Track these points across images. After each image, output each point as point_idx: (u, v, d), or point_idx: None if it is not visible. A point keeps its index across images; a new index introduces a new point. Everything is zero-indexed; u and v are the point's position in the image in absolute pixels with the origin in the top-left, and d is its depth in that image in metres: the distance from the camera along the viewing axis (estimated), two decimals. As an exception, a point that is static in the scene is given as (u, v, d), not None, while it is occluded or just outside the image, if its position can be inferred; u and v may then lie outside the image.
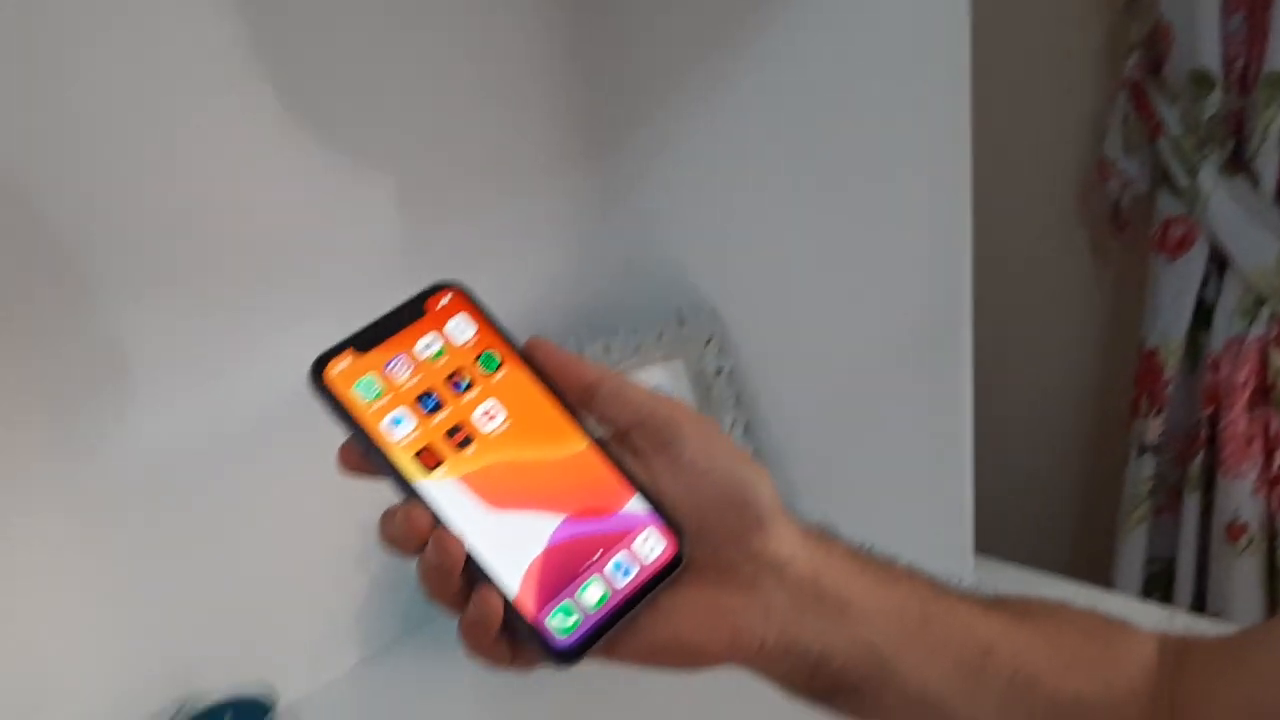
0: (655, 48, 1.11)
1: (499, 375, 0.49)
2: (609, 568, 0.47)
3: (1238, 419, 1.30)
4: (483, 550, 0.45)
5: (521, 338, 0.51)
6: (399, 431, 0.47)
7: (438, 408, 0.48)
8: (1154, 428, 1.41)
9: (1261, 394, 1.31)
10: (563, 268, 1.18)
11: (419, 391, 0.48)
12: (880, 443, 1.11)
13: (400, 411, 0.47)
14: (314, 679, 1.02)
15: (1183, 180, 1.30)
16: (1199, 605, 1.44)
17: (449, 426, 0.48)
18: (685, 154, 1.13)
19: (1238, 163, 1.28)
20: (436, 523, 0.45)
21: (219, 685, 0.91)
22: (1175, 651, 0.52)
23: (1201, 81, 1.26)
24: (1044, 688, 0.50)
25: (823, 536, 0.51)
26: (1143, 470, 1.43)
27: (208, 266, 0.90)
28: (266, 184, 0.93)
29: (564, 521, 0.47)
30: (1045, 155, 1.54)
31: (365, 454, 0.46)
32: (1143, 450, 1.43)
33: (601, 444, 0.49)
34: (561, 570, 0.46)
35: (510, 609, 0.45)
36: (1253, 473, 1.32)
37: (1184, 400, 1.40)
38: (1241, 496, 1.32)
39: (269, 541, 0.97)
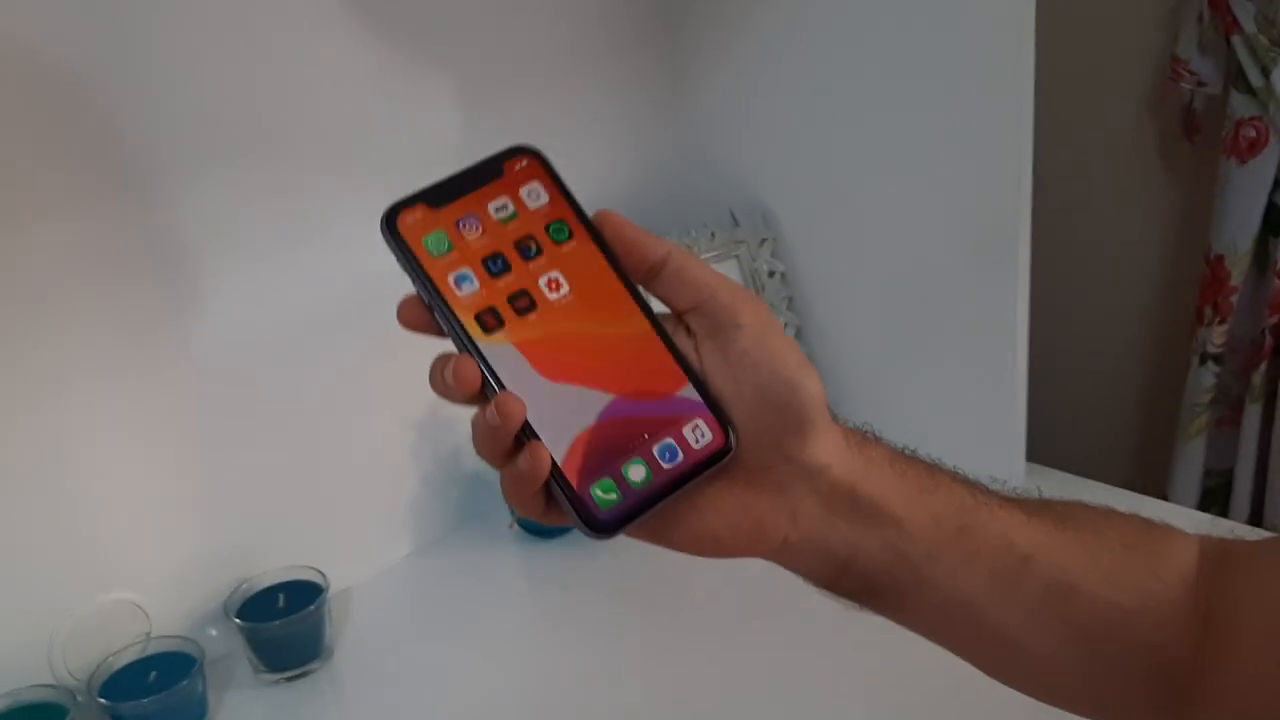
0: None
1: (567, 246, 0.49)
2: (656, 450, 0.47)
3: (1305, 328, 1.27)
4: (533, 416, 0.46)
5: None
6: (464, 289, 0.47)
7: (504, 271, 0.47)
8: (1217, 336, 1.37)
9: (1332, 302, 1.27)
10: (620, 162, 1.18)
11: (487, 253, 0.47)
12: (933, 350, 1.10)
13: (466, 270, 0.47)
14: (367, 568, 1.04)
15: (1257, 80, 1.26)
16: (1256, 520, 1.42)
17: (513, 291, 0.47)
18: (748, 54, 1.12)
19: (1316, 61, 1.23)
20: (487, 382, 0.45)
21: (276, 568, 0.94)
22: (1215, 555, 0.50)
23: (1281, -25, 1.21)
24: (1081, 598, 0.49)
25: (864, 442, 0.50)
26: (1204, 380, 1.40)
27: (273, 153, 0.92)
28: (332, 73, 0.94)
29: (615, 400, 0.47)
30: (1116, 54, 1.49)
31: (428, 309, 0.46)
32: (1205, 359, 1.39)
33: (661, 326, 0.48)
34: (608, 446, 0.46)
35: (557, 471, 0.45)
36: (1318, 384, 1.29)
37: (1250, 308, 1.36)
38: (1306, 408, 1.30)
39: (326, 434, 0.99)
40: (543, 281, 0.48)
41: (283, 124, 0.92)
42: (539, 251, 0.48)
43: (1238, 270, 1.33)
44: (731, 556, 0.48)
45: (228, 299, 0.91)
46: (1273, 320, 1.31)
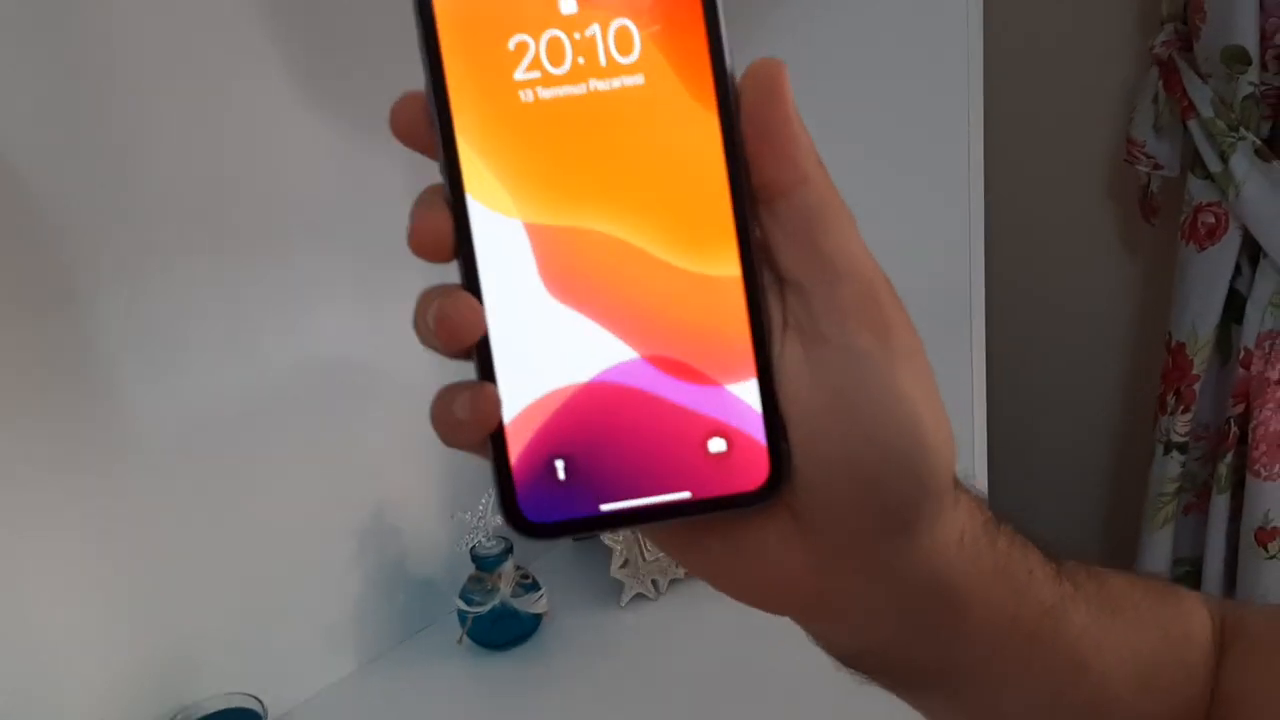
0: None
1: (674, 102, 0.32)
2: (656, 456, 0.33)
3: (1269, 418, 1.23)
4: (503, 341, 0.33)
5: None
6: (482, 111, 0.32)
7: (560, 106, 0.32)
8: (1181, 425, 1.34)
9: (1296, 391, 1.24)
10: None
11: (545, 69, 0.32)
12: None
13: (505, 84, 0.32)
14: (308, 687, 0.99)
15: (1214, 165, 1.23)
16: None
17: (560, 142, 0.32)
18: None
19: (1274, 146, 1.21)
20: (461, 262, 0.32)
21: (215, 691, 0.88)
22: (1230, 628, 0.44)
23: (1235, 59, 1.18)
24: (1115, 712, 0.41)
25: (983, 539, 0.36)
26: (1169, 469, 1.36)
27: (216, 245, 0.88)
28: (290, 157, 0.90)
29: (635, 362, 0.33)
30: (1073, 136, 1.47)
31: (436, 128, 0.32)
32: (1169, 448, 1.36)
33: (757, 278, 0.33)
34: (590, 421, 0.33)
35: (498, 433, 0.33)
36: (1285, 475, 1.25)
37: (1213, 397, 1.33)
38: (1272, 499, 1.26)
39: (265, 540, 0.94)
40: (609, 142, 0.32)
41: (223, 215, 0.88)
42: (627, 97, 0.32)
43: (1199, 358, 1.30)
44: (738, 599, 0.36)
45: (158, 400, 0.86)
46: (1237, 410, 1.27)
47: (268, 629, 0.95)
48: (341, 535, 1.00)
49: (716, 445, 0.33)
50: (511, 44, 0.32)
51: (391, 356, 0.96)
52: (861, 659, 0.38)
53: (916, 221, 0.98)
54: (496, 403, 0.32)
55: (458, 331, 0.32)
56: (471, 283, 0.32)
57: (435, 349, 0.33)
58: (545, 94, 0.32)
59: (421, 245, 0.32)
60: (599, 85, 0.32)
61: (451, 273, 0.33)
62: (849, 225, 0.33)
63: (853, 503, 0.33)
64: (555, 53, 0.32)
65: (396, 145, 0.95)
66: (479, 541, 0.97)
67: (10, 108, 0.74)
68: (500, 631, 0.98)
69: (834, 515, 0.33)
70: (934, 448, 0.33)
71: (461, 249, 0.32)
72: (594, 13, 0.32)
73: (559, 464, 0.33)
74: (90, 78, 0.79)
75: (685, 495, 0.33)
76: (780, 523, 0.34)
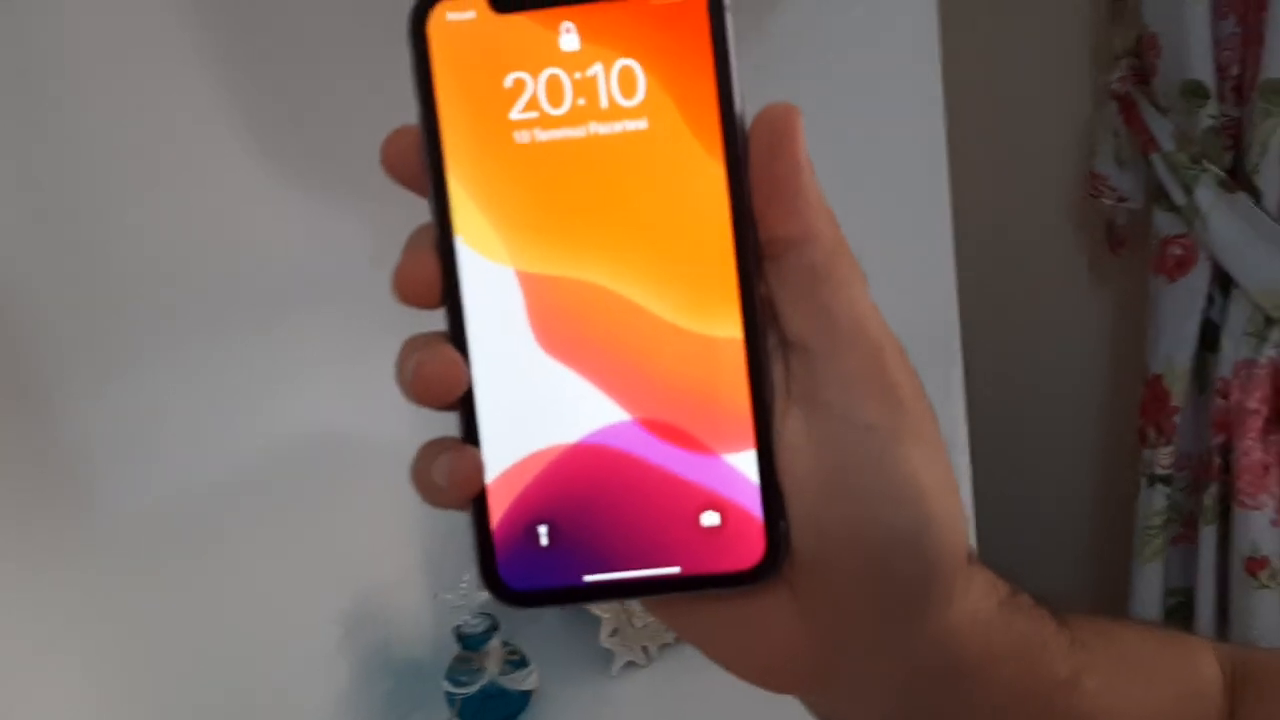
0: None
1: (681, 145, 0.30)
2: (646, 531, 0.31)
3: (1252, 447, 1.23)
4: (488, 397, 0.31)
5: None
6: (476, 153, 0.30)
7: (559, 149, 0.30)
8: (1163, 457, 1.33)
9: (1277, 420, 1.24)
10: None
11: (544, 110, 0.30)
12: None
13: (500, 126, 0.30)
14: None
15: (1179, 197, 1.23)
16: (1222, 638, 1.37)
17: (558, 185, 0.30)
18: None
19: (1237, 177, 1.21)
20: (447, 311, 0.31)
21: None
22: (1238, 674, 0.44)
23: (1194, 92, 1.19)
24: None
25: (999, 619, 0.34)
26: (1155, 502, 1.36)
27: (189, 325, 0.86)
28: (258, 226, 0.89)
29: (627, 424, 0.31)
30: (1036, 173, 1.48)
31: (427, 167, 0.31)
32: (1153, 481, 1.36)
33: (759, 340, 0.31)
34: (576, 488, 0.31)
35: (479, 494, 0.31)
36: (1271, 503, 1.25)
37: (1194, 428, 1.33)
38: (1259, 529, 1.25)
39: (244, 634, 0.92)
40: (608, 189, 0.30)
41: (191, 291, 0.86)
42: (629, 142, 0.30)
43: (1177, 389, 1.30)
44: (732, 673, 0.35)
45: (131, 486, 0.84)
46: (1218, 440, 1.27)
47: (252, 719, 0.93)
48: (324, 620, 0.98)
49: (710, 519, 0.31)
50: (508, 81, 0.30)
51: (368, 431, 0.93)
52: None
53: (887, 267, 0.97)
54: (478, 468, 0.31)
55: (436, 388, 0.30)
56: (457, 332, 0.31)
57: (415, 402, 0.31)
58: (542, 136, 0.30)
59: (407, 291, 0.31)
60: (599, 129, 0.30)
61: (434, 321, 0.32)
62: (859, 286, 0.31)
63: (855, 584, 0.31)
64: (554, 92, 0.30)
65: (366, 209, 0.94)
66: (464, 620, 0.95)
67: None
68: (491, 711, 0.97)
69: (835, 596, 0.32)
70: (943, 528, 0.31)
71: (449, 296, 0.31)
72: (597, 51, 0.30)
73: (542, 530, 0.31)
74: (53, 161, 0.77)
75: (674, 570, 0.31)
76: (778, 598, 0.32)
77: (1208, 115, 1.19)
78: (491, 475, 0.31)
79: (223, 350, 0.88)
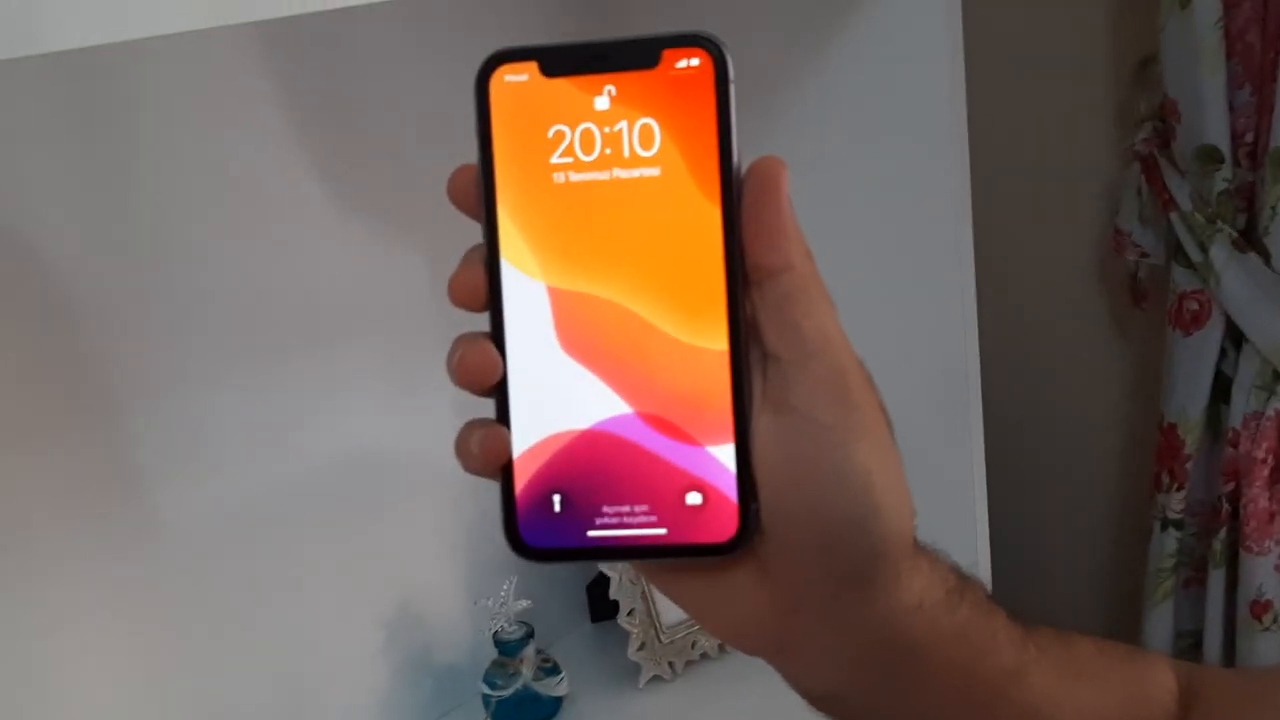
0: None
1: (685, 193, 0.37)
2: (638, 504, 0.38)
3: (1258, 495, 1.28)
4: (518, 386, 0.38)
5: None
6: (523, 192, 0.37)
7: (588, 192, 0.37)
8: (1175, 502, 1.38)
9: (1283, 470, 1.29)
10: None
11: (577, 160, 0.37)
12: None
13: (542, 170, 0.37)
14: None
15: (1196, 255, 1.29)
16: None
17: (585, 222, 0.37)
18: None
19: (1249, 238, 1.27)
20: (493, 315, 0.38)
21: None
22: (1189, 689, 0.47)
23: (1209, 157, 1.25)
24: None
25: (945, 601, 0.40)
26: (1166, 545, 1.41)
27: (251, 343, 0.92)
28: (319, 257, 0.95)
29: (628, 416, 0.37)
30: (1062, 227, 1.53)
31: (481, 198, 0.38)
32: (1166, 525, 1.40)
33: (742, 355, 0.37)
34: (585, 465, 0.38)
35: (507, 466, 0.38)
36: (1275, 549, 1.29)
37: (1205, 475, 1.38)
38: (1264, 574, 1.30)
39: (291, 638, 0.97)
40: (625, 223, 0.37)
41: (254, 315, 0.92)
42: (644, 186, 0.37)
43: (1191, 438, 1.35)
44: (714, 635, 0.42)
45: (188, 497, 0.89)
46: (1228, 487, 1.32)
47: (298, 719, 0.98)
48: (369, 625, 1.03)
49: (693, 498, 0.37)
50: (550, 133, 0.37)
51: (414, 449, 0.99)
52: (826, 701, 0.42)
53: (909, 314, 1.01)
54: (506, 443, 0.38)
55: (476, 375, 0.37)
56: (497, 333, 0.38)
57: (459, 386, 0.38)
58: (575, 178, 0.37)
59: (460, 295, 0.38)
60: (621, 174, 0.37)
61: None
62: (828, 310, 0.37)
63: (812, 558, 0.37)
64: (587, 143, 0.37)
65: (421, 242, 1.00)
66: (501, 627, 1.00)
67: (44, 219, 0.79)
68: (523, 714, 1.02)
69: (795, 567, 0.38)
70: (888, 515, 0.37)
71: (492, 303, 0.38)
72: (623, 110, 0.37)
73: (556, 498, 0.38)
74: (123, 191, 0.83)
75: (662, 533, 0.37)
76: (749, 570, 0.39)
77: (1222, 179, 1.25)
78: (517, 451, 0.38)
79: (279, 371, 0.94)
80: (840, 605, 0.38)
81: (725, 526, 0.37)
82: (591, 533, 0.38)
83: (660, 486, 0.37)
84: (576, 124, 0.37)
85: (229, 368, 0.91)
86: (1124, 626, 1.53)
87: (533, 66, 0.37)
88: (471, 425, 0.39)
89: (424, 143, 0.99)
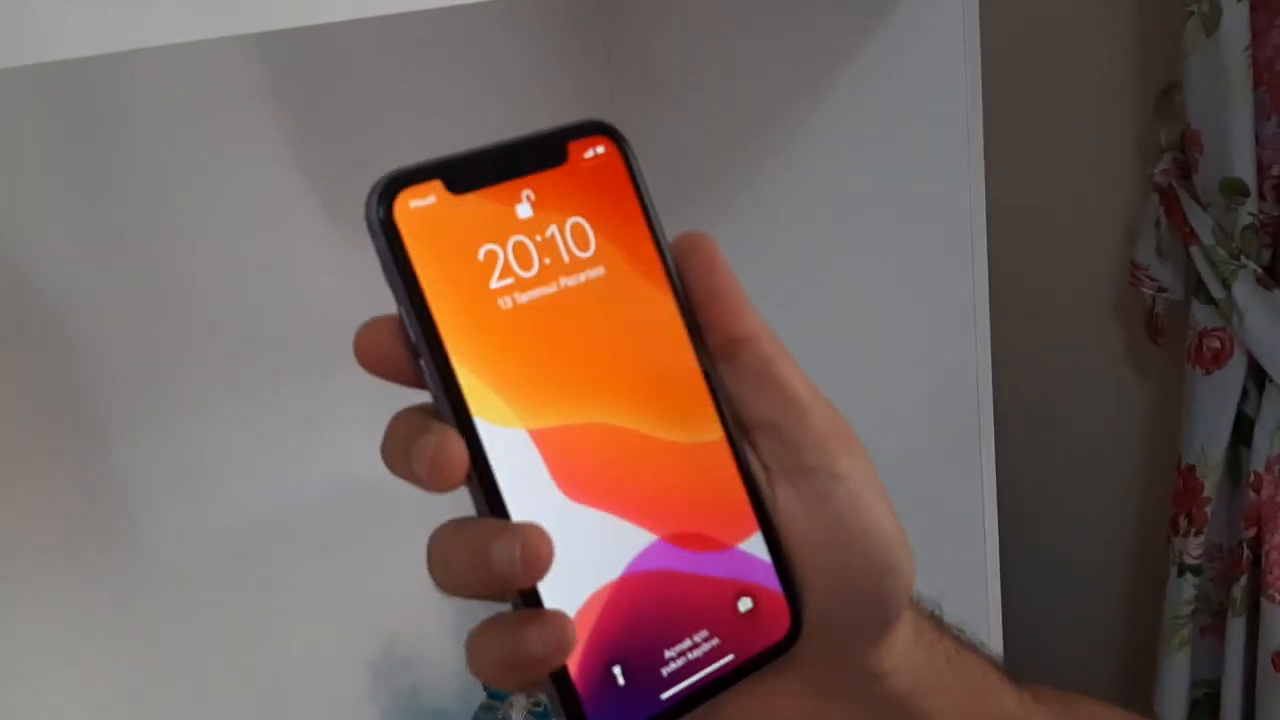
0: (677, 136, 1.10)
1: (632, 287, 0.34)
2: (698, 632, 0.33)
3: (1282, 542, 1.24)
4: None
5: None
6: (470, 334, 0.31)
7: (537, 312, 0.33)
8: (1194, 547, 1.34)
9: (1307, 516, 1.24)
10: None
11: (519, 281, 0.32)
12: None
13: (484, 302, 0.32)
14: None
15: (1218, 291, 1.25)
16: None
17: (545, 347, 0.32)
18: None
19: (1274, 275, 1.23)
20: (480, 488, 0.32)
21: None
22: None
23: (1234, 190, 1.21)
24: None
25: (933, 636, 0.39)
26: (1184, 591, 1.36)
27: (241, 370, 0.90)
28: (314, 279, 0.93)
29: (655, 544, 0.33)
30: (1077, 261, 1.49)
31: (409, 348, 0.32)
32: (1183, 570, 1.36)
33: (736, 436, 0.35)
34: (632, 617, 0.33)
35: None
36: (1300, 599, 1.25)
37: (1225, 520, 1.33)
38: (1288, 624, 1.25)
39: (277, 677, 0.94)
40: (586, 334, 0.33)
41: (246, 341, 0.90)
42: (594, 289, 0.33)
43: (1210, 481, 1.30)
44: None
45: (177, 527, 0.87)
46: (1249, 533, 1.27)
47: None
48: (354, 665, 1.00)
49: (745, 604, 0.34)
50: (481, 255, 0.32)
51: (406, 483, 0.96)
52: None
53: (924, 348, 0.99)
54: (565, 636, 0.31)
55: (534, 565, 0.31)
56: (496, 502, 0.32)
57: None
58: (523, 299, 0.32)
59: (438, 478, 0.31)
60: (568, 282, 0.33)
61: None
62: (795, 368, 0.36)
63: (836, 614, 0.35)
64: (523, 258, 0.33)
65: None
66: (491, 670, 0.96)
67: (33, 235, 0.76)
68: (512, 761, 0.98)
69: (820, 631, 0.35)
70: (905, 561, 0.36)
71: (480, 471, 0.32)
72: (549, 214, 0.33)
73: (617, 670, 0.32)
74: (117, 212, 0.81)
75: (730, 658, 0.34)
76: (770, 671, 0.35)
77: (1247, 213, 1.21)
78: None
79: (267, 397, 0.91)
80: (855, 653, 0.36)
81: (780, 622, 0.34)
82: (664, 694, 0.33)
83: (711, 608, 0.34)
84: (506, 239, 0.32)
85: (219, 394, 0.89)
86: (1138, 674, 1.49)
87: (437, 186, 0.32)
88: (509, 622, 0.32)
89: (430, 152, 0.99)
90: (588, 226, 0.34)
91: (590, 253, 0.33)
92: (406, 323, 0.32)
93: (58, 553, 0.81)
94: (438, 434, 0.31)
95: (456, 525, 0.33)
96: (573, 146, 0.34)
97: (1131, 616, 1.55)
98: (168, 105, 0.83)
